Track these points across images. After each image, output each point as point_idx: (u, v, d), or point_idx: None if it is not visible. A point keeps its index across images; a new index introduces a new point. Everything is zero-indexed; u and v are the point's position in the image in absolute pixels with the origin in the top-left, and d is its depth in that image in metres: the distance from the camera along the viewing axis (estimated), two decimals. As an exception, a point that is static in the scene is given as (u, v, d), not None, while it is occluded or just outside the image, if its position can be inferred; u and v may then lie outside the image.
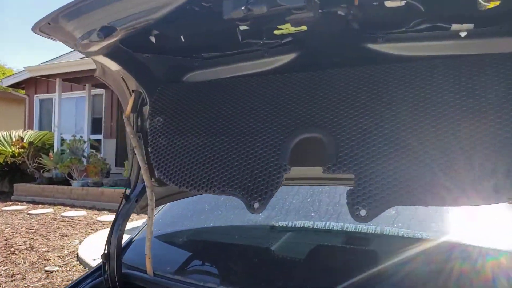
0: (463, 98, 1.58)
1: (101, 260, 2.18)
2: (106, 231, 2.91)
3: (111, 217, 10.21)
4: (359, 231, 2.23)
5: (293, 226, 2.41)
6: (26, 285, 5.97)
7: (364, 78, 1.82)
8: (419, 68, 1.74)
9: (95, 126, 16.64)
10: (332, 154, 1.66)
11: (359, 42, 1.87)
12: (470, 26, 1.68)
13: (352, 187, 1.56)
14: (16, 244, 8.12)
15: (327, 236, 2.28)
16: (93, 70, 2.21)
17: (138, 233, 2.83)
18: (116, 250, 2.13)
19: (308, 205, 2.53)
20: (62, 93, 15.96)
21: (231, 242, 2.49)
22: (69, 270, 6.62)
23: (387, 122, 1.64)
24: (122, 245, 2.26)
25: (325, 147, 1.72)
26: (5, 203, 13.16)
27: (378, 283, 1.96)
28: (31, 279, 6.19)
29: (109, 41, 1.73)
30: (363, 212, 1.51)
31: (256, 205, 1.68)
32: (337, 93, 1.82)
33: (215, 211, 2.79)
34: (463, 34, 1.69)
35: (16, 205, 12.96)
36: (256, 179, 1.74)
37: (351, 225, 2.26)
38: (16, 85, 20.00)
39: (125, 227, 2.37)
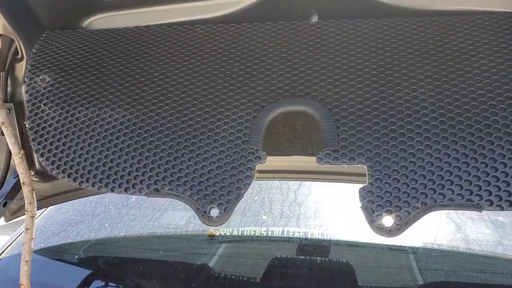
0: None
1: None
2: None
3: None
4: (328, 239, 1.75)
5: (238, 234, 1.83)
6: None
7: (361, 36, 1.33)
8: (432, 26, 1.30)
9: None
10: (329, 136, 1.13)
11: None
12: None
13: (366, 184, 1.05)
14: None
15: (285, 246, 1.76)
16: None
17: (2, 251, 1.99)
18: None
19: (257, 205, 1.98)
20: None
21: (152, 259, 1.81)
22: None
23: (402, 93, 1.16)
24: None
25: (317, 126, 1.19)
26: None
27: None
28: None
29: None
30: (388, 221, 1.02)
31: (215, 212, 1.08)
32: (324, 52, 1.30)
33: (125, 214, 2.06)
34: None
35: None
36: (213, 172, 1.14)
37: (316, 231, 1.78)
38: None
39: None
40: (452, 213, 1.84)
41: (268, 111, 1.22)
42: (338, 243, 1.75)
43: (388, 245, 1.71)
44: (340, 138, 1.12)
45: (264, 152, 1.16)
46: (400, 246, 1.73)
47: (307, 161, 1.58)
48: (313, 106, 1.19)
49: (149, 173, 1.16)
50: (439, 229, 1.79)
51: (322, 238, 1.76)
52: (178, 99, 1.27)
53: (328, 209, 1.92)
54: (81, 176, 1.21)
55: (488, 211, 1.85)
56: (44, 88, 1.37)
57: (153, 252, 1.84)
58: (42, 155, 1.27)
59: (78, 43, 1.48)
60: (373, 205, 1.02)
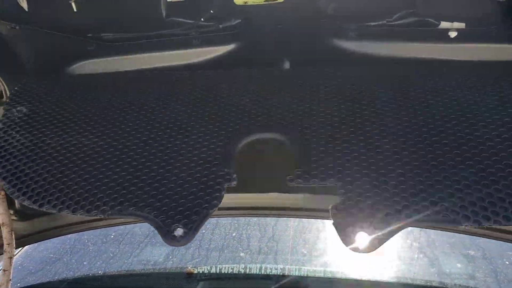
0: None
1: None
2: None
3: None
4: (305, 275, 1.77)
5: (216, 271, 1.84)
6: None
7: (329, 79, 1.40)
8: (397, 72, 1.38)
9: None
10: (302, 157, 1.13)
11: (327, 36, 1.45)
12: (462, 25, 1.38)
13: (338, 201, 1.03)
14: None
15: (263, 283, 1.77)
16: None
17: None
18: None
19: (235, 241, 1.99)
20: None
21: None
22: None
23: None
24: None
25: (290, 151, 1.19)
26: None
27: None
28: None
29: None
30: (361, 239, 0.98)
31: (179, 232, 1.03)
32: (295, 95, 1.34)
33: (104, 252, 2.05)
34: (453, 35, 1.38)
35: None
36: (179, 191, 1.11)
37: (294, 268, 1.79)
38: None
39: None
40: (426, 247, 1.89)
41: (240, 137, 1.22)
42: (316, 279, 1.77)
43: (366, 280, 1.74)
44: (312, 159, 1.11)
45: (235, 174, 1.14)
46: (377, 281, 1.76)
47: (284, 198, 1.61)
48: (283, 132, 1.21)
49: (114, 195, 1.11)
50: (413, 264, 1.83)
51: (300, 274, 1.78)
52: (148, 126, 1.28)
53: (305, 245, 1.95)
54: (42, 198, 1.16)
55: (459, 244, 1.90)
56: (19, 118, 1.38)
57: (131, 291, 1.83)
58: (4, 178, 1.24)
59: (59, 84, 1.52)
60: (346, 223, 0.99)
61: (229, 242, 1.98)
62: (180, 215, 1.04)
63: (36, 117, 1.38)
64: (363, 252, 0.96)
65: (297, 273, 1.78)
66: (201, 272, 1.82)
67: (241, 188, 1.47)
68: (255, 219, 2.07)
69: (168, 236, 1.01)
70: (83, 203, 1.11)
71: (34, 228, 1.76)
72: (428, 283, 1.75)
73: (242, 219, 2.09)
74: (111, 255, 2.01)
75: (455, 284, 1.74)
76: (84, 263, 1.99)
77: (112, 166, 1.19)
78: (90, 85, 1.50)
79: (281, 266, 1.81)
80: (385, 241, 0.96)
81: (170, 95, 1.40)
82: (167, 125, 1.29)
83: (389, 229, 0.96)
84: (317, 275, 1.78)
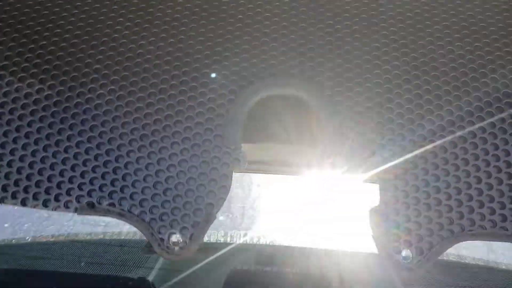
0: None
1: None
2: None
3: None
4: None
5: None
6: None
7: None
8: None
9: None
10: (331, 137, 0.84)
11: None
12: None
13: (378, 205, 0.78)
14: None
15: (248, 255, 1.42)
16: None
17: None
18: None
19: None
20: None
21: (71, 272, 1.38)
22: None
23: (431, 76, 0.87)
24: None
25: (315, 120, 0.89)
26: None
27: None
28: None
29: None
30: (407, 254, 0.75)
31: (177, 240, 0.75)
32: (322, 15, 0.95)
33: (36, 211, 1.59)
34: None
35: None
36: (174, 181, 0.79)
37: (285, 236, 1.45)
38: None
39: None
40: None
41: (249, 94, 0.87)
42: (312, 251, 1.45)
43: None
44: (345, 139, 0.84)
45: (245, 153, 0.85)
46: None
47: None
48: (306, 90, 0.87)
49: (80, 180, 0.79)
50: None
51: (293, 245, 1.46)
52: (122, 70, 0.87)
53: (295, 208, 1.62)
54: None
55: None
56: None
57: (72, 263, 1.41)
58: None
59: None
60: (386, 234, 0.77)
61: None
62: (176, 215, 0.78)
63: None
64: (410, 276, 0.78)
65: (289, 244, 1.45)
66: (167, 240, 1.42)
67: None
68: (237, 174, 1.69)
69: (162, 247, 0.76)
70: (37, 190, 0.79)
71: None
72: (445, 258, 1.50)
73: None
74: (46, 215, 1.55)
75: (474, 258, 1.50)
76: (5, 225, 1.52)
77: (73, 133, 0.83)
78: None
79: (272, 234, 1.47)
80: (434, 260, 0.77)
81: (156, 19, 0.95)
82: (147, 70, 0.89)
83: (438, 244, 0.75)
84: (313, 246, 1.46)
